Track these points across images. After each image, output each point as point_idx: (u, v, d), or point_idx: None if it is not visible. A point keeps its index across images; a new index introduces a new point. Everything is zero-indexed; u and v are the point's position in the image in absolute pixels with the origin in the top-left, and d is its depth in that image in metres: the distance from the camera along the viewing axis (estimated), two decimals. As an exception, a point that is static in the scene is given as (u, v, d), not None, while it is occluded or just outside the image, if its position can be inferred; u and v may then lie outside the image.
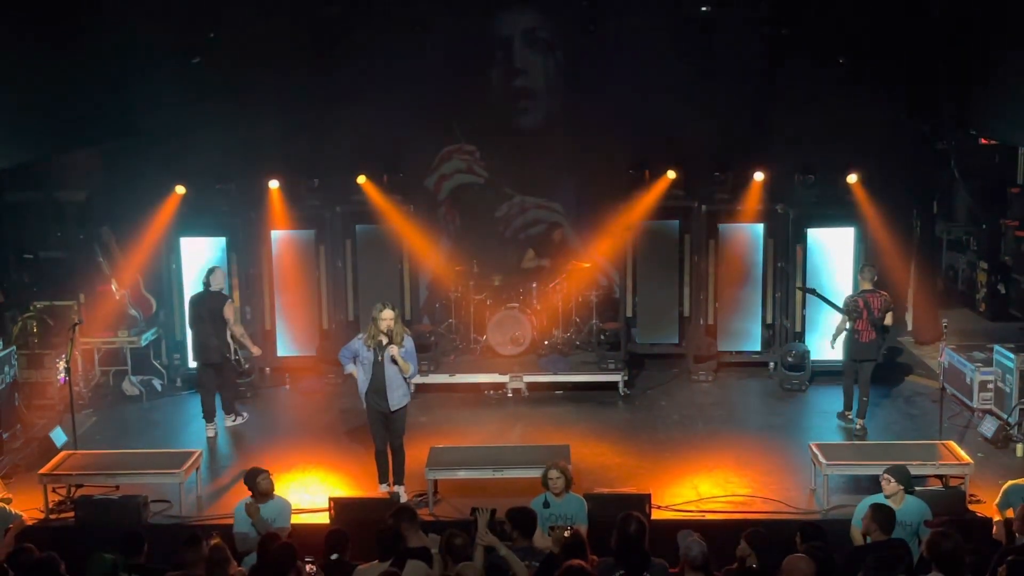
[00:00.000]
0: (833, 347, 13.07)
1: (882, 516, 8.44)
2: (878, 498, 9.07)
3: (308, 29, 15.29)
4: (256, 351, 13.49)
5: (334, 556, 8.10)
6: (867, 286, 12.79)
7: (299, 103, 15.50)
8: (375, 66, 15.63)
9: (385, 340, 10.68)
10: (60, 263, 15.72)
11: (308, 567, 8.00)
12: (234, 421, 13.40)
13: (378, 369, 10.77)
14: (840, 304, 12.90)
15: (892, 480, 9.08)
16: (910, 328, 16.31)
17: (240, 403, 13.75)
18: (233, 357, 13.18)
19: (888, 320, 12.80)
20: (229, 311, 13.08)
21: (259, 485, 9.49)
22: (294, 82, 15.43)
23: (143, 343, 14.77)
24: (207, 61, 14.78)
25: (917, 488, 9.51)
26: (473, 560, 7.77)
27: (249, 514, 9.33)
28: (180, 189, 14.85)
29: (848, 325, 12.77)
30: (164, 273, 15.21)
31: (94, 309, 14.74)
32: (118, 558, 7.69)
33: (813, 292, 13.63)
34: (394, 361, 10.70)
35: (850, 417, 12.97)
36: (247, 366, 13.69)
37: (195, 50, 14.77)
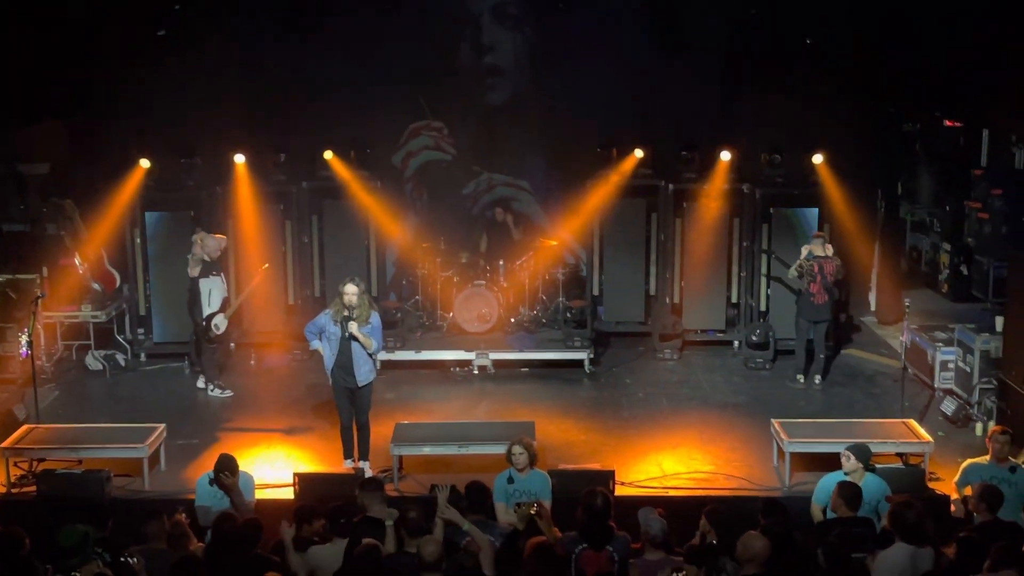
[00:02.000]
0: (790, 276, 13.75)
1: (849, 493, 8.52)
2: (839, 475, 9.14)
3: (276, 1, 15.18)
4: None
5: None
6: (820, 252, 13.42)
7: (266, 77, 15.41)
8: (343, 41, 15.55)
9: (349, 315, 10.66)
10: (22, 236, 15.57)
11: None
12: (211, 391, 13.53)
13: (345, 344, 10.75)
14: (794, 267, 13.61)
15: (852, 457, 9.16)
16: (873, 308, 16.44)
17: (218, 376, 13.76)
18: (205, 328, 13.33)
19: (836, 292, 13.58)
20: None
21: (223, 479, 9.34)
22: (261, 56, 15.33)
23: (105, 318, 14.66)
24: (172, 34, 14.64)
25: (877, 467, 9.61)
26: (434, 535, 7.79)
27: (228, 488, 9.20)
28: (144, 163, 14.72)
29: (803, 287, 13.44)
30: (128, 247, 15.09)
31: (57, 283, 14.61)
32: (91, 530, 7.66)
33: (774, 255, 14.34)
34: (353, 338, 10.68)
35: (803, 380, 13.64)
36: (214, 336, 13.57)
37: (160, 22, 14.62)
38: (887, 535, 7.86)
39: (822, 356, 13.77)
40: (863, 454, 9.21)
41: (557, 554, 7.34)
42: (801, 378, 13.73)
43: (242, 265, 14.95)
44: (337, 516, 8.04)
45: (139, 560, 7.37)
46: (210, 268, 13.28)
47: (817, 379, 13.70)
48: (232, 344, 14.93)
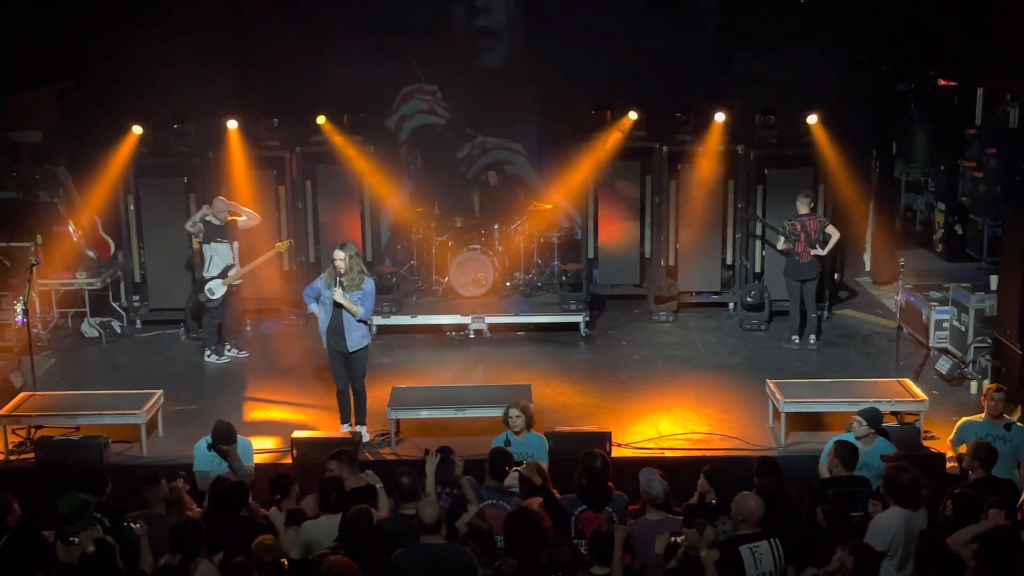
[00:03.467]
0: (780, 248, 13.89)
1: (845, 452, 8.53)
2: (848, 437, 9.14)
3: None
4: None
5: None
6: (803, 210, 13.57)
7: (258, 42, 15.32)
8: (336, 3, 15.45)
9: (339, 279, 10.67)
10: (16, 204, 15.50)
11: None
12: (207, 357, 13.57)
13: (337, 309, 10.77)
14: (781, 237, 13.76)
15: (864, 423, 9.16)
16: (868, 268, 16.48)
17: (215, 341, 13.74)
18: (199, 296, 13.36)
19: (833, 234, 13.60)
20: None
21: (225, 451, 9.32)
22: (253, 20, 15.22)
23: (100, 285, 14.64)
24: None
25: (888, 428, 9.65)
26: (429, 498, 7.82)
27: (225, 455, 9.23)
28: (137, 129, 14.65)
29: (788, 247, 13.59)
30: (122, 214, 15.05)
31: (51, 251, 14.58)
32: (90, 498, 7.69)
33: (761, 219, 14.41)
34: (339, 305, 10.68)
35: (797, 341, 13.74)
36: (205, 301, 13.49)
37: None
38: (882, 498, 7.90)
39: (814, 315, 13.87)
40: (874, 418, 9.23)
41: (538, 518, 7.31)
42: (796, 339, 13.76)
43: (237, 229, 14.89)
44: (327, 490, 7.93)
45: (142, 525, 7.41)
46: (215, 233, 13.24)
47: (812, 339, 13.74)
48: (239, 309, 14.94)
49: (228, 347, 13.67)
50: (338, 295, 10.62)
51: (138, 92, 14.84)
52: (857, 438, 9.10)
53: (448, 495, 8.20)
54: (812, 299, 13.81)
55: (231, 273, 13.25)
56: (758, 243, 15.10)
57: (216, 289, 13.22)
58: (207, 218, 13.20)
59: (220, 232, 13.26)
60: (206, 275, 13.25)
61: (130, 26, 14.47)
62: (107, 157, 14.67)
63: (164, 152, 14.88)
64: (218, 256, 13.23)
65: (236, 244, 13.44)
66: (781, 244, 13.82)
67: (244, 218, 13.46)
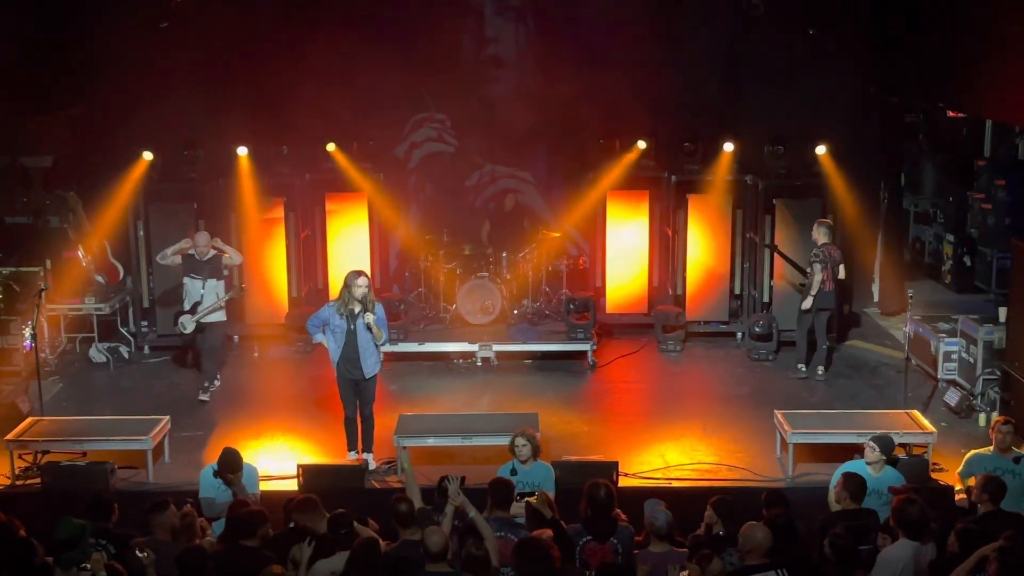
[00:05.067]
0: (811, 308, 13.45)
1: (853, 484, 8.50)
2: (852, 465, 9.12)
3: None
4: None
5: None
6: (824, 240, 13.45)
7: (269, 68, 15.37)
8: (346, 32, 15.51)
9: (358, 308, 10.69)
10: (26, 229, 15.58)
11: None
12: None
13: (350, 337, 10.79)
14: (798, 263, 13.69)
15: (876, 449, 9.13)
16: (876, 299, 16.43)
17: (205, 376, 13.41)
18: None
19: (841, 273, 13.55)
20: None
21: (231, 479, 9.28)
22: (264, 47, 15.29)
23: (109, 310, 14.66)
24: (175, 26, 14.62)
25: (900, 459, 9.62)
26: (441, 526, 7.79)
27: (230, 483, 9.22)
28: (147, 155, 14.72)
29: (818, 276, 13.32)
30: (131, 240, 15.09)
31: (60, 275, 14.62)
32: (87, 524, 7.67)
33: (776, 249, 14.15)
34: (369, 328, 10.71)
35: (804, 370, 13.63)
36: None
37: (163, 14, 14.60)
38: (891, 530, 7.86)
39: (824, 347, 13.76)
40: (887, 446, 9.20)
41: (547, 549, 7.26)
42: (802, 367, 13.70)
43: (245, 255, 14.92)
44: (337, 527, 7.80)
45: (149, 554, 7.38)
46: (190, 267, 12.93)
47: (820, 370, 13.68)
48: (236, 338, 14.95)
49: (207, 384, 13.18)
50: (370, 319, 10.68)
51: (149, 118, 14.91)
52: (868, 463, 9.07)
53: (454, 527, 8.14)
54: (824, 330, 13.70)
55: (200, 309, 12.88)
56: (767, 273, 15.06)
57: (187, 324, 12.99)
58: (197, 248, 12.90)
59: (195, 267, 12.92)
60: (184, 308, 13.04)
61: (141, 52, 14.53)
62: (117, 182, 14.73)
63: (174, 178, 14.93)
64: (191, 290, 12.96)
65: (221, 281, 13.04)
66: (818, 272, 13.31)
67: (227, 256, 13.11)
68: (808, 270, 13.58)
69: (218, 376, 13.43)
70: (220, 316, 13.10)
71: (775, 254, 14.58)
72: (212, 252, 12.98)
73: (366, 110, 15.73)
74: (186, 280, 13.00)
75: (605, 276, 15.81)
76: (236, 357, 14.70)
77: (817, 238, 13.52)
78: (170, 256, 13.00)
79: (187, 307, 12.98)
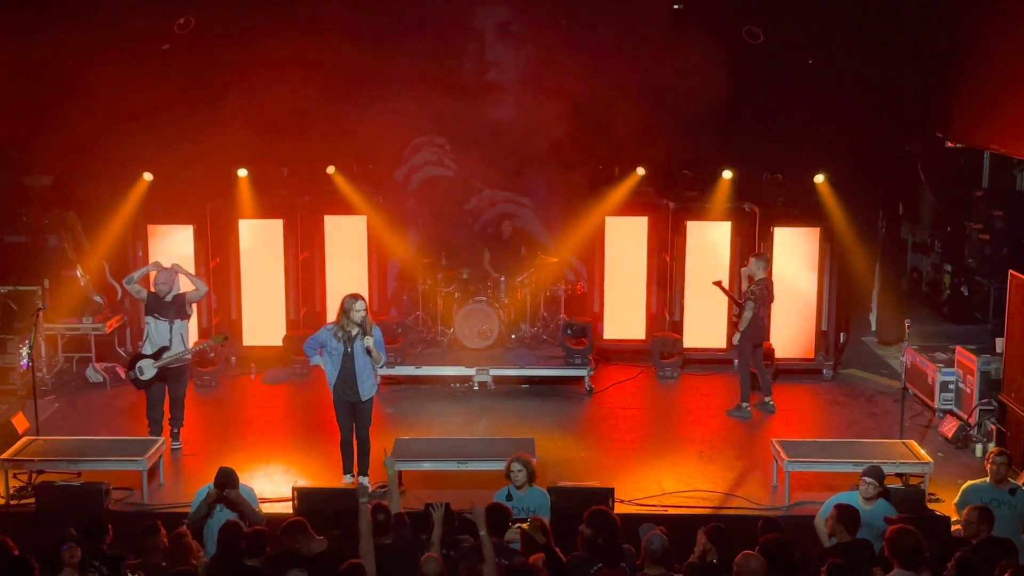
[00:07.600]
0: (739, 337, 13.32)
1: (847, 516, 8.43)
2: (844, 497, 9.07)
3: (278, 15, 15.18)
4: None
5: None
6: (762, 275, 13.28)
7: (269, 91, 15.39)
8: (347, 55, 15.55)
9: (356, 331, 10.70)
10: (24, 248, 15.58)
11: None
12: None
13: (348, 360, 10.80)
14: (738, 297, 13.56)
15: (875, 483, 9.09)
16: (874, 328, 16.46)
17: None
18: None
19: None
20: None
21: (230, 495, 9.20)
22: (263, 69, 15.31)
23: (106, 330, 14.65)
24: (176, 47, 14.66)
25: (890, 490, 9.60)
26: (431, 551, 7.77)
27: (234, 505, 9.17)
28: (147, 176, 14.75)
29: (748, 313, 13.14)
30: (130, 260, 15.10)
31: (58, 295, 14.62)
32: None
33: (719, 285, 13.94)
34: (368, 352, 10.72)
35: (747, 406, 13.36)
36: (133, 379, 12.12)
37: (164, 36, 14.65)
38: (885, 560, 7.83)
39: (768, 375, 13.74)
40: (881, 476, 9.18)
41: (534, 574, 7.22)
42: (746, 406, 13.43)
43: (249, 273, 14.88)
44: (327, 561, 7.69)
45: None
46: (154, 307, 11.90)
47: (768, 398, 13.57)
48: (233, 359, 14.94)
49: (176, 430, 12.22)
50: (369, 342, 10.69)
51: (149, 138, 14.92)
52: (864, 499, 9.04)
53: (446, 555, 8.12)
54: (760, 360, 13.62)
55: (166, 355, 11.85)
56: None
57: (146, 369, 11.85)
58: (156, 285, 11.97)
59: (160, 308, 11.88)
60: (141, 350, 12.00)
61: (142, 73, 14.56)
62: (117, 203, 14.76)
63: (174, 198, 14.95)
64: (156, 333, 11.87)
65: (185, 321, 12.04)
66: (748, 311, 13.17)
67: (193, 289, 12.14)
68: (743, 304, 13.39)
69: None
70: (187, 358, 12.26)
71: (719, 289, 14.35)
72: (176, 291, 11.99)
73: (366, 133, 15.74)
74: (150, 320, 11.89)
75: (603, 302, 15.83)
76: (233, 378, 14.67)
77: (755, 272, 13.32)
78: (136, 280, 11.98)
79: (148, 350, 11.87)
